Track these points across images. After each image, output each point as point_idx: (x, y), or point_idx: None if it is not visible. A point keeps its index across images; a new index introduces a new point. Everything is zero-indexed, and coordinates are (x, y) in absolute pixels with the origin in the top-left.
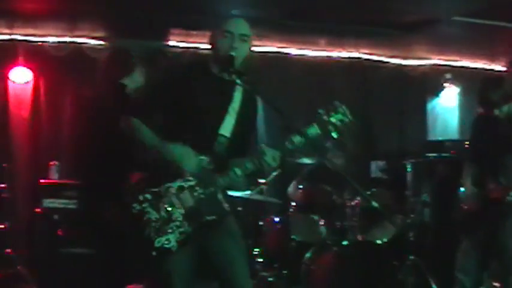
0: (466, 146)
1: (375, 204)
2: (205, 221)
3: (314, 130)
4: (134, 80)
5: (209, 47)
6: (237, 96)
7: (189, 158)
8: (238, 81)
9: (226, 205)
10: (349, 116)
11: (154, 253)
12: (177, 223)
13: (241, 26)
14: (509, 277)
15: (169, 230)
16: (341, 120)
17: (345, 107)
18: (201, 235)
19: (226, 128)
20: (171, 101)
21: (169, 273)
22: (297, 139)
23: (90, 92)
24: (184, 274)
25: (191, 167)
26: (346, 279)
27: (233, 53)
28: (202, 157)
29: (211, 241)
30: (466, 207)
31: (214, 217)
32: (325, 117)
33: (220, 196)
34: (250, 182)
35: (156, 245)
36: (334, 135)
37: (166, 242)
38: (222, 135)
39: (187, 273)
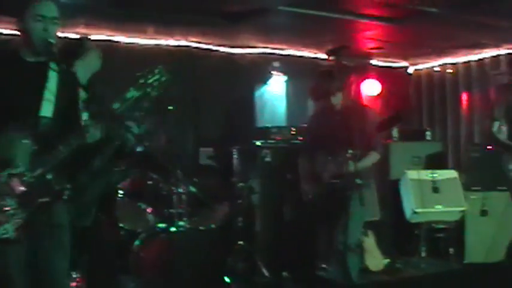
0: (293, 132)
1: (192, 189)
2: (38, 203)
3: (132, 93)
4: None
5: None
6: (53, 79)
7: (14, 145)
8: (53, 64)
9: (58, 186)
10: (166, 75)
11: None
12: (12, 212)
13: (52, 9)
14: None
15: (5, 220)
16: (158, 80)
17: (161, 67)
18: (38, 221)
19: (46, 110)
20: None
21: (8, 264)
22: (116, 105)
23: None
24: (24, 264)
25: (17, 153)
26: (176, 266)
27: (47, 37)
28: (26, 141)
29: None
30: (305, 196)
31: (47, 198)
32: (142, 80)
33: (49, 177)
34: None
35: None
36: (153, 94)
37: (3, 232)
38: (44, 117)
39: (27, 263)
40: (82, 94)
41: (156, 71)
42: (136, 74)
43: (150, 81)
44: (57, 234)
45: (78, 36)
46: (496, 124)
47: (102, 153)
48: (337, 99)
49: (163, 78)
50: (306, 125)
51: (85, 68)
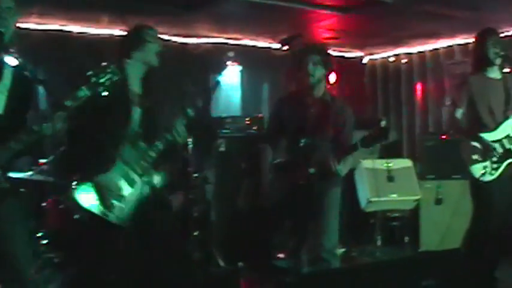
0: (247, 122)
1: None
2: None
3: (84, 92)
4: None
5: None
6: (7, 73)
7: None
8: (7, 57)
9: (5, 184)
10: (118, 73)
11: None
12: None
13: None
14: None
15: None
16: (110, 79)
17: (113, 66)
18: None
19: None
20: None
21: None
22: (68, 102)
23: None
24: None
25: None
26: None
27: (1, 29)
28: None
29: None
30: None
31: None
32: (94, 79)
33: None
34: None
35: None
36: (104, 94)
37: None
38: None
39: None
40: (135, 89)
41: (109, 69)
42: (88, 73)
43: (102, 80)
44: (6, 230)
45: (136, 26)
46: (459, 111)
47: None
48: (316, 82)
49: (115, 78)
50: (272, 110)
51: (141, 61)
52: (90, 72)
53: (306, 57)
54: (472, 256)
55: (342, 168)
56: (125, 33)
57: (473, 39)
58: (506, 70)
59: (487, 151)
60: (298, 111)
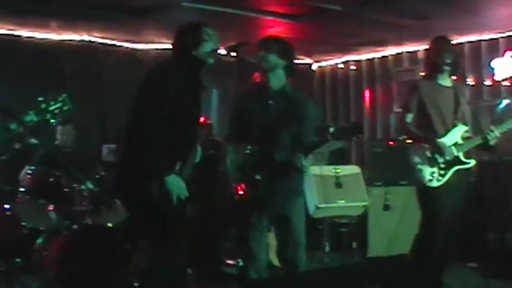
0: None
1: (90, 186)
2: None
3: (30, 117)
4: None
5: None
6: None
7: None
8: None
9: None
10: (69, 104)
11: None
12: None
13: None
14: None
15: None
16: (60, 108)
17: (65, 95)
18: None
19: None
20: None
21: None
22: (13, 126)
23: None
24: None
25: None
26: (78, 264)
27: None
28: None
29: None
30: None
31: None
32: (43, 106)
33: None
34: None
35: None
36: (52, 122)
37: None
38: None
39: None
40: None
41: (60, 98)
42: (38, 99)
43: (52, 108)
44: None
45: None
46: (409, 116)
47: None
48: (276, 78)
49: (65, 107)
50: (233, 106)
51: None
52: (41, 99)
53: (264, 47)
54: (420, 261)
55: (308, 164)
56: None
57: (426, 47)
58: (455, 78)
59: (435, 157)
60: (257, 104)
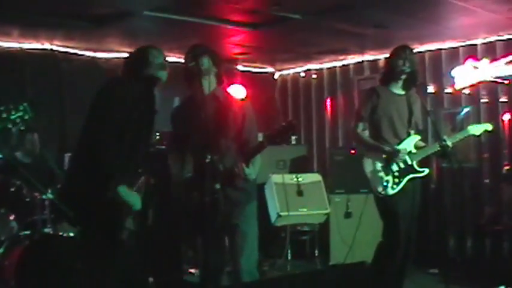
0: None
1: (49, 196)
2: None
3: None
4: None
5: None
6: None
7: None
8: None
9: None
10: (30, 113)
11: None
12: None
13: None
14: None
15: None
16: (21, 117)
17: (26, 104)
18: None
19: None
20: None
21: None
22: None
23: None
24: None
25: None
26: (39, 273)
27: None
28: None
29: None
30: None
31: None
32: (4, 115)
33: None
34: None
35: None
36: (13, 131)
37: None
38: None
39: None
40: None
41: (21, 107)
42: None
43: (13, 117)
44: None
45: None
46: (361, 125)
47: None
48: (208, 83)
49: (26, 116)
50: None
51: None
52: (1, 107)
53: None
54: (382, 268)
55: (251, 172)
56: None
57: (387, 55)
58: (409, 87)
59: (389, 165)
60: (191, 112)
